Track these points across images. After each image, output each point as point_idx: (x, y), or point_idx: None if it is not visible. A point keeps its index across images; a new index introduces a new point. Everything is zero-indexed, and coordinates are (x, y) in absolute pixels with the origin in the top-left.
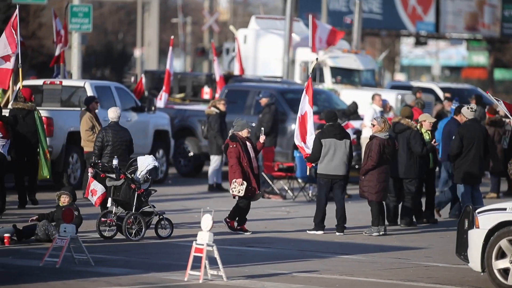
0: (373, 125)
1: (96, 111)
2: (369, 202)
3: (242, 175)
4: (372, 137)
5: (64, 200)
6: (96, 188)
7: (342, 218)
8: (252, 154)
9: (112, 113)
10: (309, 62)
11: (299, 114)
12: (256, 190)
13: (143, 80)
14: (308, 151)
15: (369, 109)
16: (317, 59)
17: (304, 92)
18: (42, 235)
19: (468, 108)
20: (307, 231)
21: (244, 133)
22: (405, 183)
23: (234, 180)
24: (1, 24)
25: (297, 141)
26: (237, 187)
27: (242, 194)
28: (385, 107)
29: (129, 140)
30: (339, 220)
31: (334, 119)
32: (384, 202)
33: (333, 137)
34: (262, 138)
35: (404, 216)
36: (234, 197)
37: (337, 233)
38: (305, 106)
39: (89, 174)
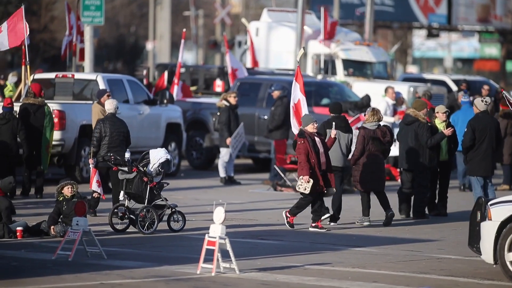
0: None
1: None
2: (361, 193)
3: (310, 172)
4: (359, 128)
5: (70, 190)
6: (99, 179)
7: (339, 209)
8: (321, 149)
9: (109, 105)
10: (322, 55)
11: (292, 104)
12: (323, 188)
13: (165, 76)
14: None
15: (381, 101)
16: (304, 48)
17: (294, 80)
18: (45, 229)
19: (482, 100)
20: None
21: (309, 128)
22: (416, 175)
23: (301, 177)
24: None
25: (296, 130)
26: (304, 184)
27: (307, 192)
28: (398, 100)
29: (126, 132)
30: (336, 212)
31: (340, 111)
32: (379, 193)
33: (337, 129)
34: (333, 133)
35: (416, 208)
36: (300, 193)
37: (331, 224)
38: (297, 94)
39: (91, 165)
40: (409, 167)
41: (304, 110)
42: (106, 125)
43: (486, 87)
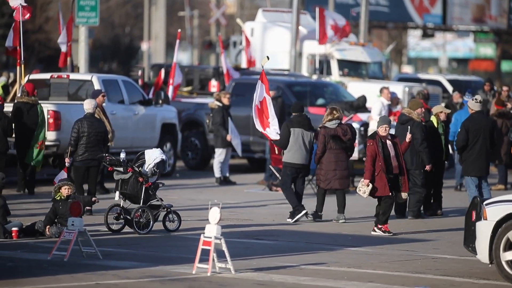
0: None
1: (103, 104)
2: (319, 189)
3: (372, 176)
4: (320, 127)
5: (67, 191)
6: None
7: (299, 203)
8: (392, 152)
9: (87, 105)
10: (317, 55)
11: (254, 104)
12: (388, 192)
13: (162, 74)
14: (274, 136)
15: (376, 102)
16: (267, 57)
17: (260, 81)
18: (40, 228)
19: (473, 100)
20: (291, 221)
21: (380, 131)
22: (411, 175)
23: (361, 180)
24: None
25: (260, 128)
26: (363, 188)
27: (365, 196)
28: (393, 100)
29: (104, 132)
30: (298, 205)
31: (301, 110)
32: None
33: (301, 127)
34: (408, 137)
35: (411, 208)
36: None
37: (288, 219)
38: (263, 93)
39: (66, 164)
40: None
41: (270, 108)
42: (84, 125)
43: (487, 83)
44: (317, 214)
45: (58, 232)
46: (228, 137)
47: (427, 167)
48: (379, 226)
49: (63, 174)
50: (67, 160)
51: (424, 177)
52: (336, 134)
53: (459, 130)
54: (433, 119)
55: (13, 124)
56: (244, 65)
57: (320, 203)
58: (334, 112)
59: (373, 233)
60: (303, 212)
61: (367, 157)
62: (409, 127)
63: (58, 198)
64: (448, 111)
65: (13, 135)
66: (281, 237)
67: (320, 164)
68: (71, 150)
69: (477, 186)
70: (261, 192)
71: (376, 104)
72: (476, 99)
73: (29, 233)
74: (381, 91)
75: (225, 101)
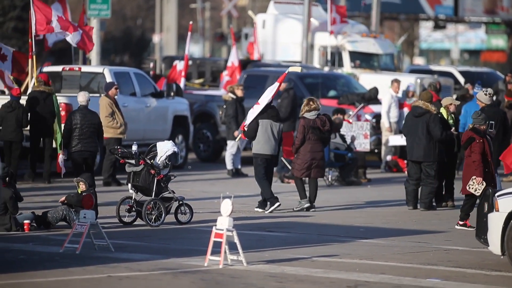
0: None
1: (116, 97)
2: (295, 178)
3: (484, 174)
4: (299, 118)
5: (82, 187)
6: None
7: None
8: (491, 148)
9: (81, 97)
10: (328, 47)
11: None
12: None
13: (178, 66)
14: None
15: (386, 95)
16: (301, 68)
17: (277, 81)
18: (52, 219)
19: (484, 92)
20: (265, 212)
21: (483, 127)
22: (424, 166)
23: (473, 177)
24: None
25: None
26: (475, 186)
27: (478, 194)
28: (408, 92)
29: (98, 123)
30: (267, 196)
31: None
32: (310, 180)
33: (270, 119)
34: (493, 133)
35: (423, 200)
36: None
37: (256, 209)
38: (266, 95)
39: (62, 157)
40: (418, 158)
41: (258, 107)
42: (76, 118)
43: (510, 74)
44: (309, 205)
45: (56, 217)
46: (236, 133)
47: (452, 130)
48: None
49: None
50: (62, 152)
51: (437, 169)
52: (316, 125)
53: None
54: (443, 111)
55: (28, 114)
56: (254, 57)
57: (302, 191)
58: (311, 103)
59: (457, 227)
60: (277, 204)
61: (475, 154)
62: (492, 123)
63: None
64: (458, 102)
65: (28, 126)
66: (293, 229)
67: (297, 153)
68: (64, 143)
69: None
70: (273, 184)
71: (386, 98)
72: (489, 93)
73: (41, 223)
74: (391, 83)
75: (239, 93)
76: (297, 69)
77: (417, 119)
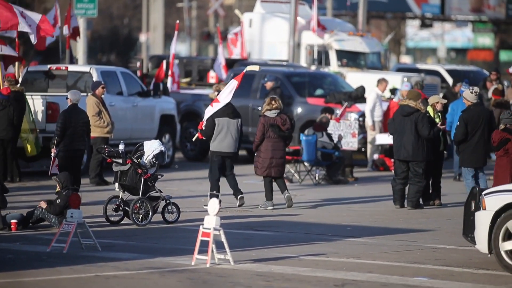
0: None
1: (103, 96)
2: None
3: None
4: (260, 116)
5: (58, 186)
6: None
7: (236, 189)
8: None
9: (74, 95)
10: (315, 45)
11: (217, 97)
12: None
13: (164, 66)
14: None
15: (371, 93)
16: (259, 67)
17: (234, 79)
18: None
19: (470, 91)
20: (204, 206)
21: None
22: (412, 165)
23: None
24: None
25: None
26: None
27: None
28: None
29: (88, 122)
30: (237, 193)
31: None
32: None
33: (226, 117)
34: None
35: (410, 198)
36: None
37: (239, 203)
38: (225, 93)
39: (52, 154)
40: (406, 158)
41: (218, 104)
42: (70, 116)
43: (494, 72)
44: (270, 203)
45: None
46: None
47: (442, 127)
48: None
49: (55, 167)
50: (53, 150)
51: (426, 168)
52: (275, 123)
53: (457, 122)
54: (429, 109)
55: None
56: (235, 56)
57: (269, 191)
58: (273, 102)
59: None
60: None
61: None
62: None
63: (57, 191)
64: (444, 101)
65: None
66: (280, 228)
67: (258, 152)
68: (57, 141)
69: (473, 176)
70: (260, 183)
71: (371, 96)
72: (475, 92)
73: (28, 222)
74: (378, 81)
75: None
76: (255, 68)
77: (406, 118)
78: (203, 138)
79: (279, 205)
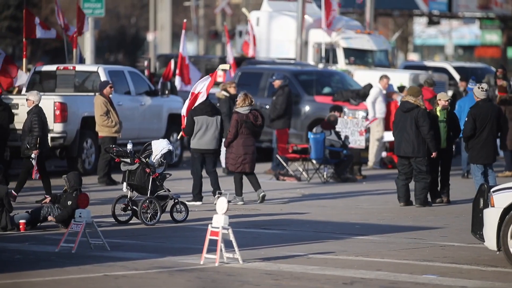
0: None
1: (110, 95)
2: (233, 172)
3: None
4: (233, 112)
5: (65, 185)
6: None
7: (216, 186)
8: None
9: (36, 96)
10: (323, 44)
11: (193, 90)
12: None
13: (172, 65)
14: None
15: (374, 88)
16: (230, 65)
17: (209, 75)
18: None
19: (479, 87)
20: (186, 202)
21: None
22: (414, 162)
23: None
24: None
25: (183, 112)
26: None
27: None
28: (389, 93)
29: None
30: (215, 191)
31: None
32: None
33: (204, 114)
34: None
35: (418, 196)
36: None
37: (195, 203)
38: (203, 87)
39: (33, 155)
40: (406, 154)
41: (199, 101)
42: (41, 116)
43: (500, 69)
44: (240, 198)
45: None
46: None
47: (433, 154)
48: None
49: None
50: (35, 152)
51: (429, 164)
52: (248, 119)
53: (465, 118)
54: (438, 109)
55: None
56: (249, 54)
57: (239, 187)
58: (247, 98)
59: None
60: (198, 203)
61: None
62: None
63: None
64: (447, 97)
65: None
66: (289, 227)
67: (230, 148)
68: (38, 143)
69: (483, 173)
70: (268, 181)
71: (373, 90)
72: (482, 88)
73: (35, 218)
74: (380, 78)
75: (232, 91)
76: (226, 66)
77: (406, 114)
78: (186, 136)
79: (287, 202)
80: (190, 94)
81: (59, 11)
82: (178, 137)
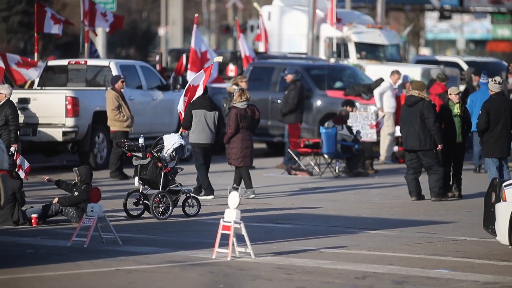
0: None
1: (122, 90)
2: (239, 168)
3: None
4: (230, 107)
5: (77, 178)
6: (21, 163)
7: (209, 185)
8: None
9: (8, 90)
10: (334, 38)
11: (190, 83)
12: None
13: (184, 59)
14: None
15: (385, 82)
16: (222, 57)
17: (203, 71)
18: (50, 211)
19: (493, 81)
20: (199, 196)
21: None
22: (422, 156)
23: None
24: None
25: (180, 108)
26: None
27: None
28: (405, 84)
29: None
30: (199, 188)
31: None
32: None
33: (203, 108)
34: None
35: (432, 189)
36: None
37: (207, 197)
38: (200, 81)
39: (12, 149)
40: (413, 147)
41: (196, 96)
42: (15, 109)
43: (511, 64)
44: (251, 190)
45: (53, 209)
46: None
47: (439, 147)
48: None
49: (22, 161)
50: (14, 146)
51: (438, 156)
52: (247, 113)
53: (478, 112)
54: (450, 102)
55: None
56: (261, 49)
57: (248, 179)
58: (244, 93)
59: None
60: (210, 197)
61: None
62: None
63: (73, 183)
64: (457, 91)
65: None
66: (301, 221)
67: (231, 143)
68: (17, 137)
69: (497, 168)
70: (280, 176)
71: (383, 84)
72: (495, 80)
73: (47, 213)
74: (391, 73)
75: (243, 85)
76: (219, 59)
77: (411, 108)
78: (186, 131)
79: (298, 196)
80: (185, 90)
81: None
82: (180, 133)
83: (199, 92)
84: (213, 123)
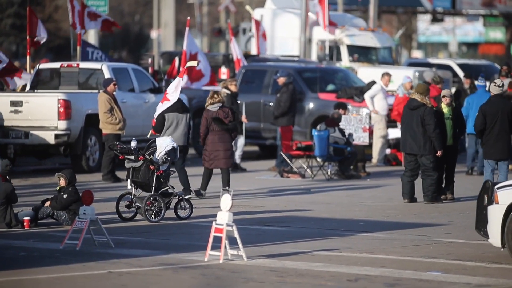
0: None
1: (114, 93)
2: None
3: None
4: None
5: (62, 182)
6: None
7: (186, 183)
8: None
9: None
10: (326, 41)
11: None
12: None
13: (176, 62)
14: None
15: (376, 85)
16: (198, 61)
17: (178, 77)
18: (40, 214)
19: (495, 84)
20: (192, 194)
21: None
22: (420, 159)
23: None
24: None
25: (156, 114)
26: None
27: None
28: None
29: None
30: (186, 186)
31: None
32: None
33: (175, 111)
34: None
35: (425, 193)
36: None
37: (186, 196)
38: (172, 87)
39: None
40: (412, 151)
41: (166, 102)
42: None
43: (505, 67)
44: (199, 192)
45: (44, 212)
46: (243, 118)
47: (438, 153)
48: None
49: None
50: None
51: (435, 160)
52: (218, 116)
53: (476, 114)
54: (443, 106)
55: None
56: (253, 52)
57: (205, 183)
58: (215, 96)
59: None
60: (187, 196)
61: None
62: None
63: (58, 188)
64: (450, 93)
65: None
66: (293, 223)
67: (205, 145)
68: None
69: (492, 171)
70: (272, 178)
71: (375, 86)
72: (495, 83)
73: (40, 219)
74: (382, 75)
75: (233, 88)
76: (194, 63)
77: (412, 112)
78: (156, 134)
79: (291, 199)
80: (164, 93)
81: (73, 9)
82: (148, 135)
83: (172, 97)
84: (185, 125)
